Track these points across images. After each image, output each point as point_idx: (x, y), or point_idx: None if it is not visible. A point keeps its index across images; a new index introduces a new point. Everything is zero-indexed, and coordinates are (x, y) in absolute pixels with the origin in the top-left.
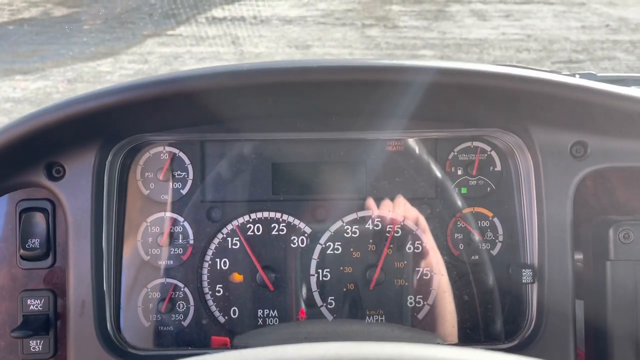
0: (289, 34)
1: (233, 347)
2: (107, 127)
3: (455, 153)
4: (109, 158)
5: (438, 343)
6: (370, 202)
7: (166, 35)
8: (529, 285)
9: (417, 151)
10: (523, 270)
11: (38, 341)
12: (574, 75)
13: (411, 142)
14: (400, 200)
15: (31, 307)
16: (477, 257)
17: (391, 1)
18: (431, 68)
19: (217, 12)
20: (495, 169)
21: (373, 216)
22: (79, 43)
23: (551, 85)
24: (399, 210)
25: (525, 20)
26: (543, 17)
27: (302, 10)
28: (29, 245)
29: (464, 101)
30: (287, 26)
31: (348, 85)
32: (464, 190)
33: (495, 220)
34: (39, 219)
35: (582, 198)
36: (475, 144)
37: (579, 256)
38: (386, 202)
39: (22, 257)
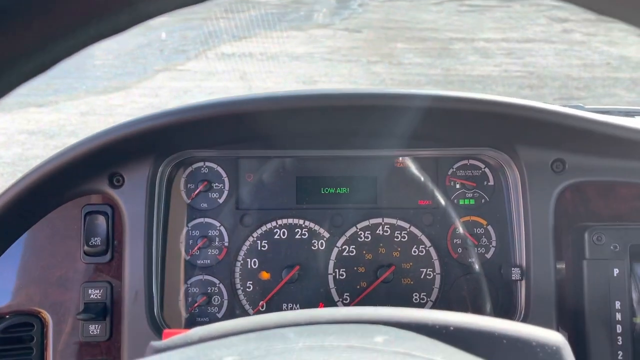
0: (296, 70)
1: None
2: (161, 143)
3: (454, 169)
4: (160, 170)
5: None
6: (381, 211)
7: (176, 70)
8: (518, 281)
9: (421, 167)
10: (512, 269)
11: (96, 325)
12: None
13: (416, 159)
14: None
15: (91, 296)
16: (473, 259)
17: (396, 39)
18: (433, 96)
19: (226, 48)
20: (489, 183)
21: (383, 223)
22: (91, 77)
23: (534, 111)
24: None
25: (527, 57)
26: (545, 55)
27: (309, 47)
28: (91, 243)
29: (461, 124)
30: (295, 62)
31: (366, 110)
32: (461, 202)
33: (489, 227)
34: (101, 221)
35: (562, 207)
36: (471, 162)
37: (561, 265)
38: (394, 211)
39: (85, 253)
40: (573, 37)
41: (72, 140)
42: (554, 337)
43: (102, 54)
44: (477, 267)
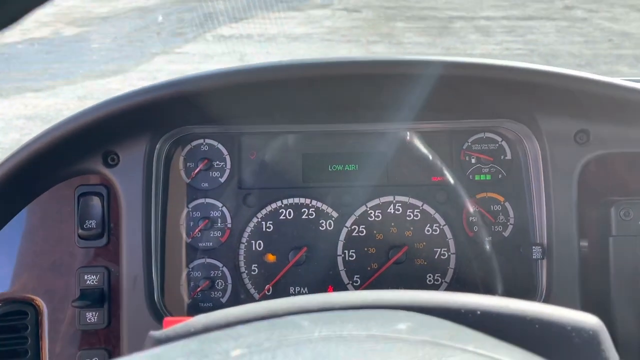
0: (295, 51)
1: None
2: (158, 118)
3: (469, 143)
4: (157, 147)
5: None
6: (392, 188)
7: (174, 53)
8: (539, 261)
9: (434, 142)
10: (533, 247)
11: (93, 313)
12: None
13: (429, 133)
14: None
15: (88, 281)
16: (490, 238)
17: (395, 18)
18: (447, 62)
19: (224, 31)
20: (506, 157)
21: (394, 201)
22: (88, 61)
23: (557, 77)
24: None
25: (528, 35)
26: (546, 32)
27: (308, 28)
28: (86, 226)
29: (477, 93)
30: (294, 43)
31: (377, 78)
32: (477, 177)
33: (507, 204)
34: (96, 202)
35: (586, 182)
36: (487, 134)
37: (584, 243)
38: (406, 189)
39: (80, 237)
40: (575, 14)
41: None
42: (590, 320)
43: (99, 37)
44: (494, 246)
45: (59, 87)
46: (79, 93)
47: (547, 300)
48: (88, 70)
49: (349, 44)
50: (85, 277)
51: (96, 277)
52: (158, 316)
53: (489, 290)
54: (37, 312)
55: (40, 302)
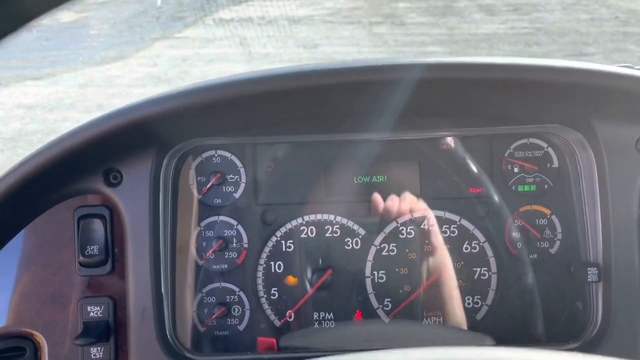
0: (296, 34)
1: (280, 348)
2: (164, 131)
3: (512, 150)
4: (164, 162)
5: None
6: (425, 202)
7: (174, 37)
8: (594, 284)
9: (472, 149)
10: (588, 268)
11: (99, 348)
12: None
13: (466, 140)
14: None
15: (91, 313)
16: (535, 255)
17: None
18: (490, 65)
19: (224, 14)
20: (553, 166)
21: (428, 216)
22: (88, 48)
23: (618, 79)
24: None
25: (533, 13)
26: (552, 10)
27: (309, 10)
28: (87, 252)
29: (525, 98)
30: (295, 26)
31: (412, 84)
32: (520, 188)
33: (554, 217)
34: (97, 226)
35: None
36: (531, 140)
37: None
38: (441, 202)
39: (81, 264)
40: None
41: (71, 113)
42: None
43: (97, 23)
44: (540, 264)
45: (59, 74)
46: (79, 80)
47: (604, 329)
48: (88, 57)
49: (351, 26)
50: (88, 308)
51: (100, 308)
52: (170, 351)
53: (533, 313)
54: (36, 348)
55: (39, 337)
